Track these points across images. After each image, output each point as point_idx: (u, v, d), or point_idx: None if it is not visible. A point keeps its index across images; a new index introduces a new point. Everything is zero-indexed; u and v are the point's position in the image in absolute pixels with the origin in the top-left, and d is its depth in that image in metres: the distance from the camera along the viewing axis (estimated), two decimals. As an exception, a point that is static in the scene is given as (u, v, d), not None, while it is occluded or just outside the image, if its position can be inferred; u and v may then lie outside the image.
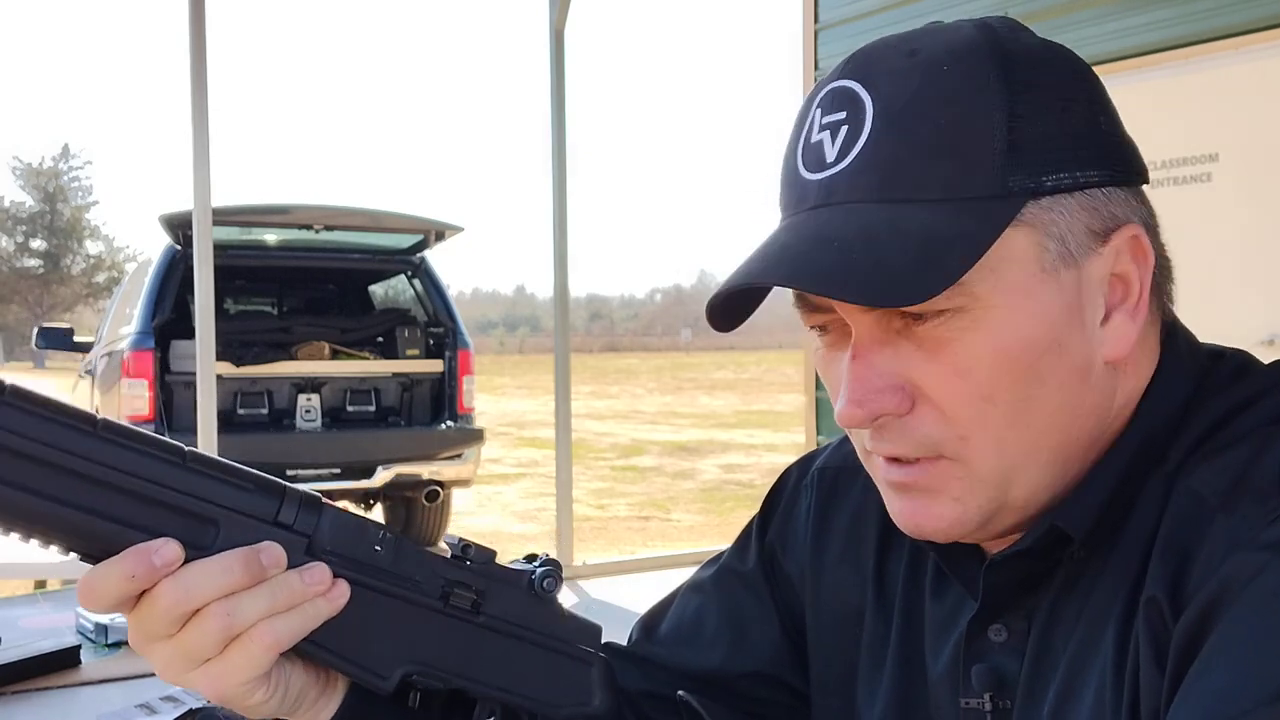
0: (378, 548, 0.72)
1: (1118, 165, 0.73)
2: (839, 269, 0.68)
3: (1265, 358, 0.78)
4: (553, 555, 0.77)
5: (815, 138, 0.74)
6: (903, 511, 0.76)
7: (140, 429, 0.68)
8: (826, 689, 0.91)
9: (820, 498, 0.93)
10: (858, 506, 0.90)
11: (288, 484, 0.71)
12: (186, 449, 0.69)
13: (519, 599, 0.75)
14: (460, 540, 0.75)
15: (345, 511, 0.72)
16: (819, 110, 0.74)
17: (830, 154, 0.73)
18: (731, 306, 0.76)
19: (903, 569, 0.86)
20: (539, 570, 0.76)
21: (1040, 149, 0.69)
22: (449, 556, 0.75)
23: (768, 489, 0.99)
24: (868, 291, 0.67)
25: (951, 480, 0.73)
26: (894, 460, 0.74)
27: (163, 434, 6.59)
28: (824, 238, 0.70)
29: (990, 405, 0.70)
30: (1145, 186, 0.76)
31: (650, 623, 1.00)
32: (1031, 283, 0.70)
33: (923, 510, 0.74)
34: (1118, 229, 0.72)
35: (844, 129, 0.72)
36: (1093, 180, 0.71)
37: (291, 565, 0.69)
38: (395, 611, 0.72)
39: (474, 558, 0.74)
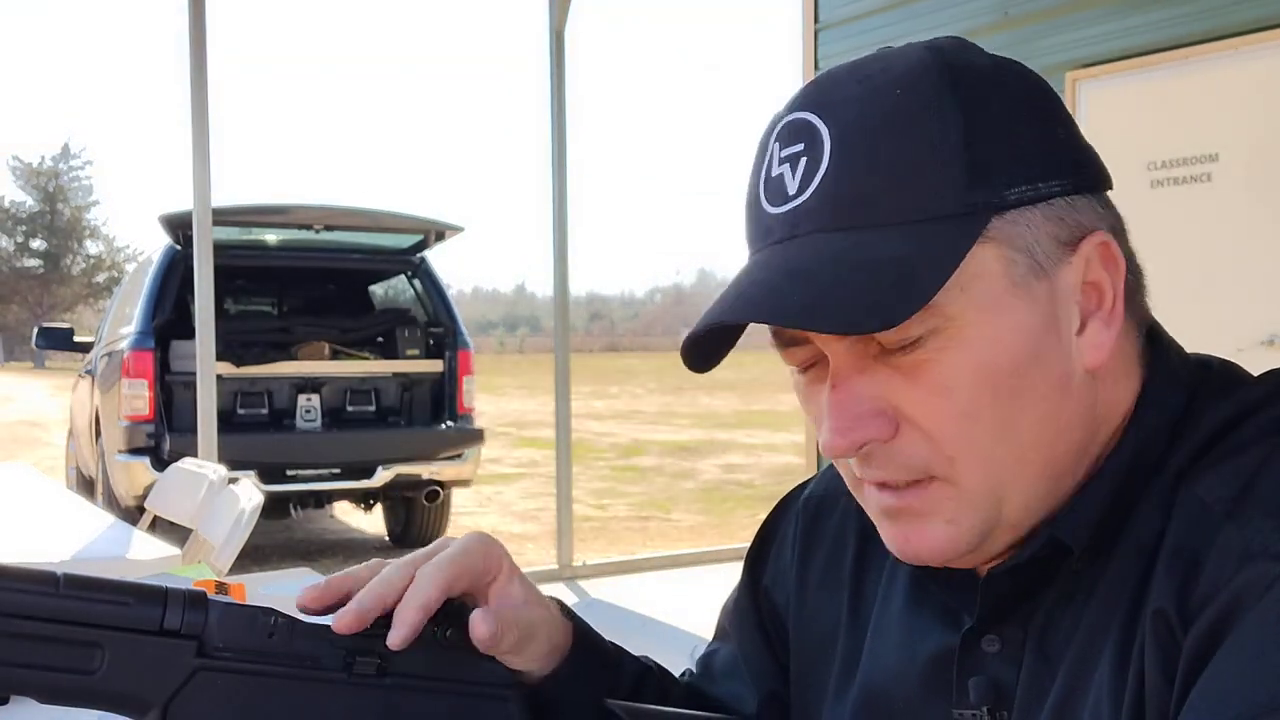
0: (271, 634, 0.72)
1: (1079, 174, 0.73)
2: (810, 301, 0.69)
3: (1265, 358, 0.78)
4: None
5: (775, 171, 0.74)
6: (896, 538, 0.75)
7: (7, 564, 0.67)
8: (805, 708, 0.91)
9: (805, 527, 0.93)
10: (837, 530, 0.91)
11: (169, 587, 0.71)
12: (61, 575, 0.68)
13: (425, 652, 0.75)
14: None
15: (233, 604, 0.72)
16: (777, 144, 0.74)
17: (792, 186, 0.73)
18: (708, 347, 0.76)
19: (880, 585, 0.86)
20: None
21: (999, 164, 0.70)
22: None
23: (761, 525, 0.99)
24: (842, 320, 0.68)
25: (944, 501, 0.72)
26: (884, 486, 0.74)
27: (163, 434, 6.66)
28: (792, 271, 0.71)
29: (974, 422, 0.70)
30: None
31: (707, 657, 1.02)
32: (1003, 297, 0.70)
33: (916, 534, 0.74)
34: (1085, 237, 0.72)
35: (803, 160, 0.72)
36: (1055, 190, 0.71)
37: (183, 668, 0.69)
38: (299, 693, 0.72)
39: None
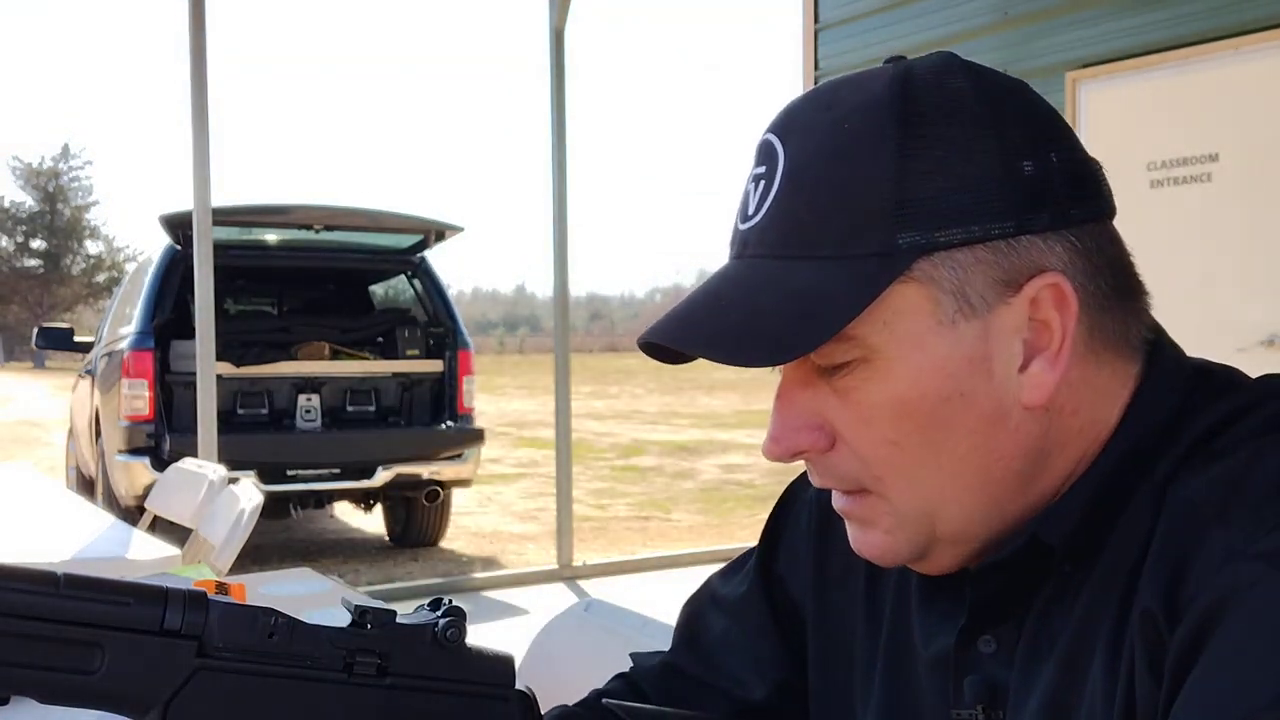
0: (271, 634, 0.72)
1: (1039, 212, 0.71)
2: (714, 328, 0.73)
3: (1265, 358, 0.78)
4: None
5: (746, 188, 0.77)
6: (849, 536, 0.80)
7: (7, 564, 0.67)
8: (826, 702, 0.91)
9: (818, 521, 0.94)
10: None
11: (169, 587, 0.71)
12: (61, 575, 0.68)
13: (425, 652, 0.75)
14: (358, 606, 0.76)
15: (233, 604, 0.72)
16: (753, 161, 0.77)
17: (751, 206, 0.76)
18: (669, 351, 0.78)
19: (892, 583, 0.87)
20: (442, 621, 0.76)
21: (932, 205, 0.70)
22: (349, 624, 0.75)
23: (771, 510, 0.99)
24: (734, 351, 0.71)
25: (881, 515, 0.76)
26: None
27: (163, 434, 6.66)
28: (713, 295, 0.75)
29: (897, 449, 0.73)
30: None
31: (692, 636, 1.00)
32: (926, 335, 0.71)
33: (860, 537, 0.79)
34: (1032, 278, 0.71)
35: (762, 183, 0.75)
36: (997, 232, 0.70)
37: (183, 668, 0.69)
38: (299, 693, 0.72)
39: (373, 621, 0.75)
